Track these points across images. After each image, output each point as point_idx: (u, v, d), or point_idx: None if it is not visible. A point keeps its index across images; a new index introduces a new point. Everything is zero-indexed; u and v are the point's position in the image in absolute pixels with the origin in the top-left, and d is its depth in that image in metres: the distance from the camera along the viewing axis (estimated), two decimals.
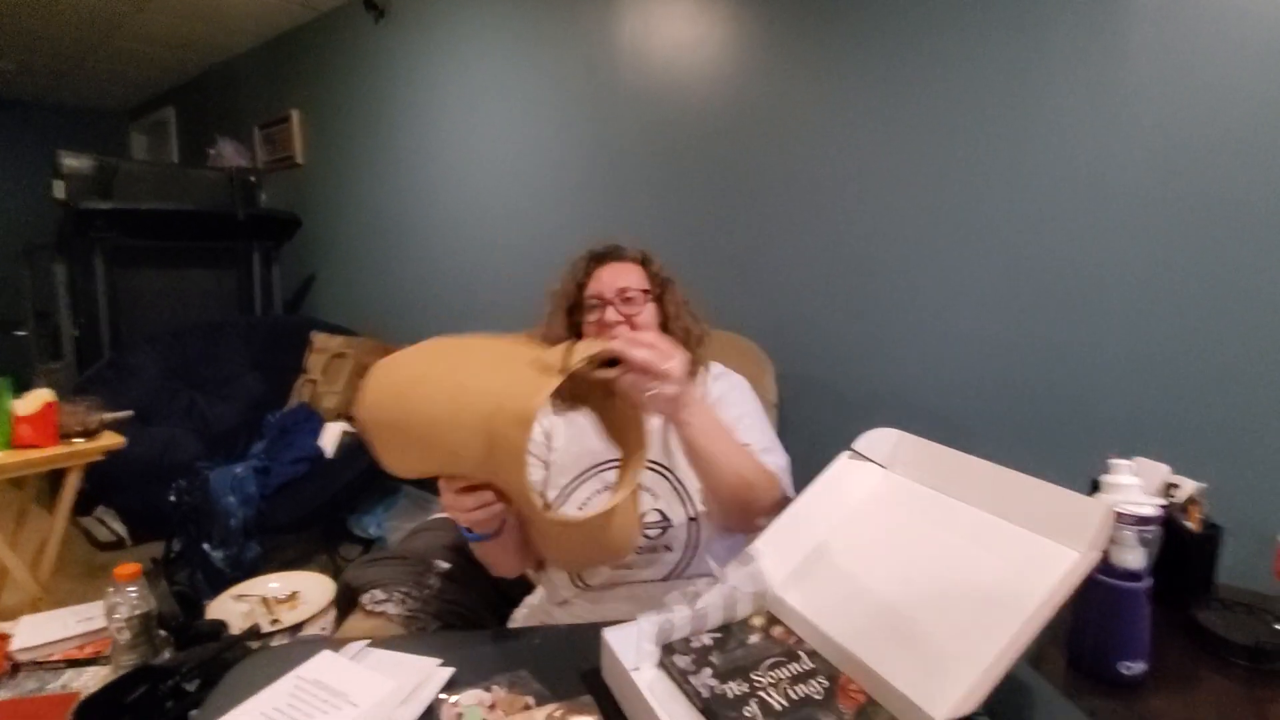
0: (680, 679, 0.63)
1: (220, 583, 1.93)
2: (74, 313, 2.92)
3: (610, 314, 1.12)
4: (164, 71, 4.19)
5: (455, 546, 1.24)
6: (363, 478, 2.51)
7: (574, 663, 0.67)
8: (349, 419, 2.74)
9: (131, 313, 3.11)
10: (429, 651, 0.70)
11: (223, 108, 4.06)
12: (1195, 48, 1.14)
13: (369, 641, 0.72)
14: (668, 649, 0.66)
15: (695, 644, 0.67)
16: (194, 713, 1.02)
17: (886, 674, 0.58)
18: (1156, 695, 0.78)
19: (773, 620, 0.70)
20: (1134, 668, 0.79)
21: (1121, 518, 0.78)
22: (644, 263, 1.21)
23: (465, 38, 2.51)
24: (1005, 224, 1.36)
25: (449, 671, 0.66)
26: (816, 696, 0.59)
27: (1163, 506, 0.83)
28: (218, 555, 2.04)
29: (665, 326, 1.17)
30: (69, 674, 1.17)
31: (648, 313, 1.15)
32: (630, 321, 1.13)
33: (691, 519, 1.06)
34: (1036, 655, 0.86)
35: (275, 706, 0.61)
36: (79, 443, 1.76)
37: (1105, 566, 0.80)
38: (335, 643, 0.71)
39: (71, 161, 2.90)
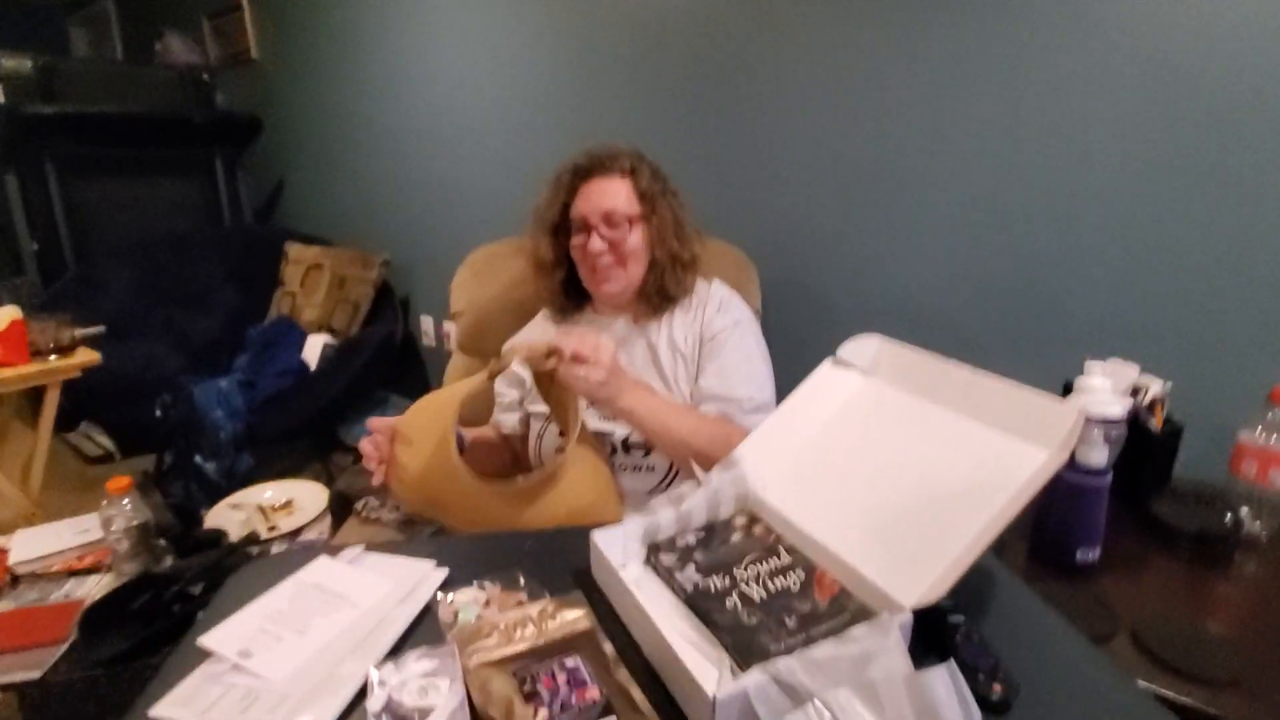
0: (666, 575, 0.66)
1: (215, 493, 1.97)
2: (31, 226, 2.80)
3: (595, 242, 1.07)
4: None
5: None
6: (349, 388, 2.52)
7: (564, 563, 0.70)
8: (331, 331, 2.71)
9: (92, 224, 2.98)
10: (423, 555, 0.72)
11: None
12: None
13: (364, 546, 0.74)
14: (654, 548, 0.70)
15: (680, 543, 0.70)
16: (201, 614, 1.07)
17: (860, 566, 0.61)
18: (1107, 578, 0.84)
19: (754, 519, 0.73)
20: (1089, 555, 0.84)
21: (1089, 418, 0.80)
22: (632, 174, 1.12)
23: None
24: (989, 134, 1.32)
25: (444, 572, 0.69)
26: (794, 588, 0.63)
27: (1129, 407, 0.86)
28: (210, 467, 2.07)
29: (657, 251, 1.12)
30: (70, 583, 1.20)
31: (635, 236, 1.10)
32: (616, 248, 1.09)
33: None
34: (1000, 545, 0.91)
35: (277, 609, 0.63)
36: (53, 360, 1.73)
37: (1070, 462, 0.83)
38: (332, 549, 0.74)
39: (8, 62, 2.69)
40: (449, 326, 2.66)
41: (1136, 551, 0.90)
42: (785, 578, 0.64)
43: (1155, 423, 0.99)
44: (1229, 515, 0.92)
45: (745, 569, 0.65)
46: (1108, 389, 0.84)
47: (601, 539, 0.67)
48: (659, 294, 1.12)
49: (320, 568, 0.70)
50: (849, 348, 0.81)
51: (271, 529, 1.63)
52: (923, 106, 1.39)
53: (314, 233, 3.08)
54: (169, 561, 1.21)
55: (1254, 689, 0.68)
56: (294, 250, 2.93)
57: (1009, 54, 1.27)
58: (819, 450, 0.75)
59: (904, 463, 0.68)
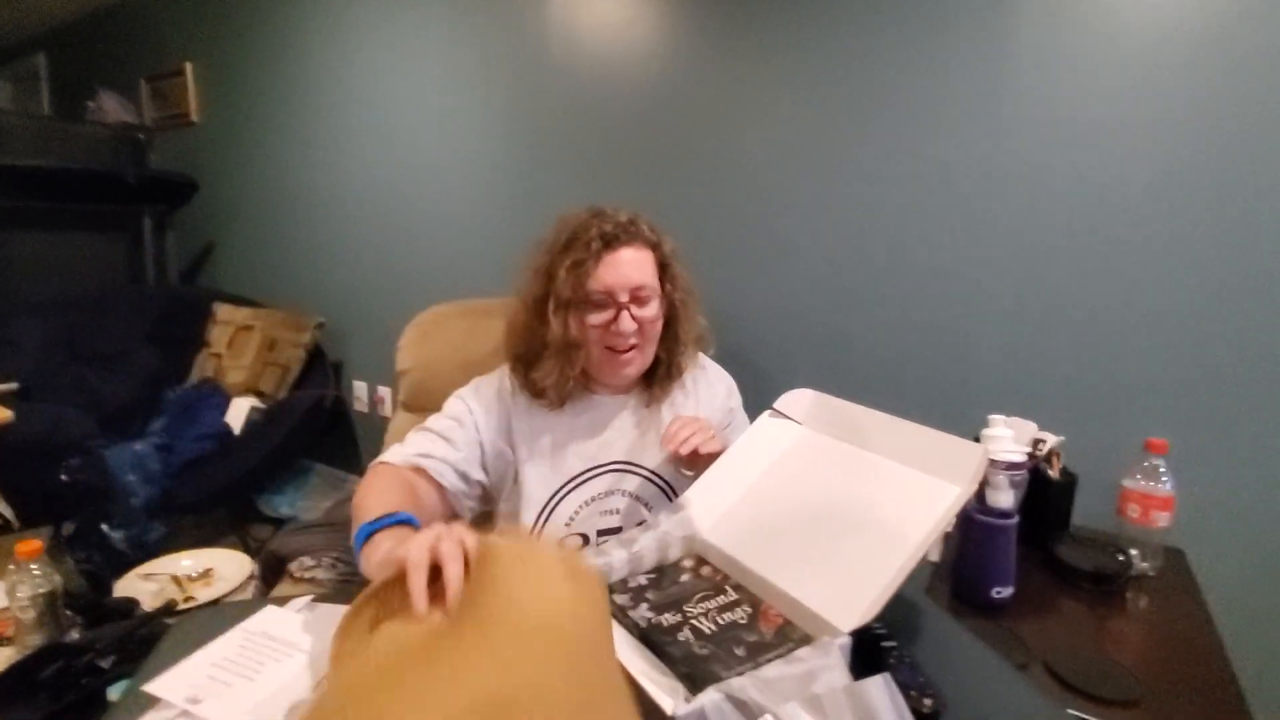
0: (620, 614, 0.69)
1: (120, 564, 1.83)
2: None
3: (626, 322, 0.94)
4: (32, 13, 3.76)
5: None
6: (274, 455, 2.42)
7: None
8: (258, 394, 2.62)
9: (6, 279, 2.83)
10: None
11: (104, 57, 3.69)
12: (1074, 52, 1.28)
13: (313, 597, 0.74)
14: (608, 589, 0.72)
15: (632, 584, 0.73)
16: (112, 688, 0.99)
17: (801, 597, 0.66)
18: (1020, 614, 0.92)
19: (701, 561, 0.77)
20: (1003, 593, 0.92)
21: (995, 464, 0.90)
22: (656, 245, 1.01)
23: None
24: (900, 220, 1.49)
25: None
26: (741, 621, 0.66)
27: (1030, 455, 0.96)
28: (117, 536, 1.92)
29: (673, 326, 1.02)
30: None
31: (658, 313, 0.99)
32: (644, 329, 0.97)
33: None
34: (928, 586, 0.98)
35: (225, 657, 0.62)
36: None
37: (982, 506, 0.92)
38: (278, 600, 0.73)
39: None
40: (384, 392, 2.63)
41: (1044, 590, 0.99)
42: (733, 613, 0.68)
43: (1054, 472, 1.10)
44: (1120, 556, 1.03)
45: (695, 605, 0.69)
46: (1010, 437, 0.94)
47: None
48: (679, 373, 1.06)
49: (268, 617, 0.69)
50: (785, 400, 0.89)
51: (188, 599, 1.53)
52: (849, 189, 1.56)
53: (247, 294, 3.01)
54: (76, 632, 1.13)
55: (1152, 708, 0.76)
56: (223, 311, 2.84)
57: (923, 137, 1.45)
58: (760, 492, 0.81)
59: (836, 502, 0.74)
